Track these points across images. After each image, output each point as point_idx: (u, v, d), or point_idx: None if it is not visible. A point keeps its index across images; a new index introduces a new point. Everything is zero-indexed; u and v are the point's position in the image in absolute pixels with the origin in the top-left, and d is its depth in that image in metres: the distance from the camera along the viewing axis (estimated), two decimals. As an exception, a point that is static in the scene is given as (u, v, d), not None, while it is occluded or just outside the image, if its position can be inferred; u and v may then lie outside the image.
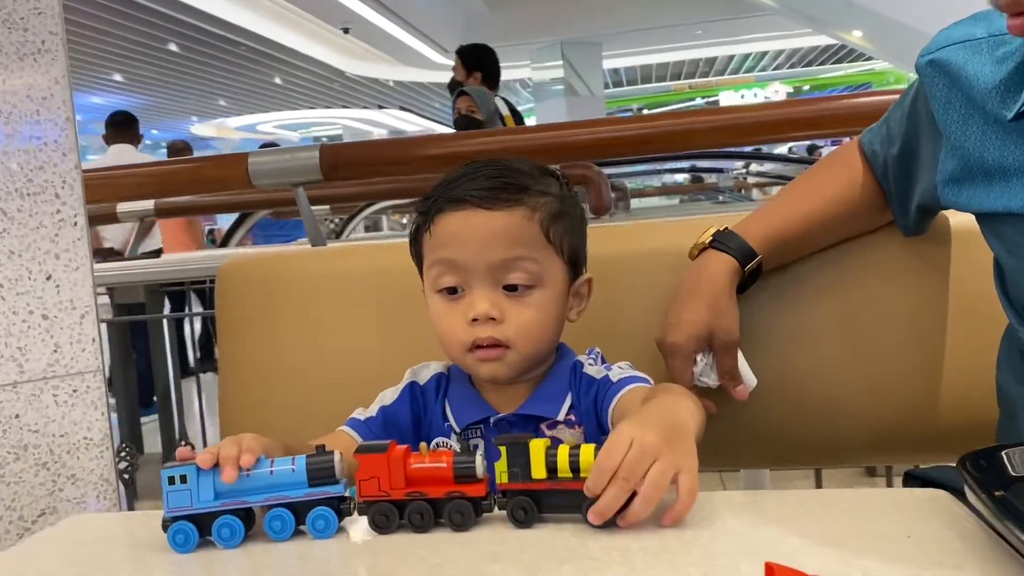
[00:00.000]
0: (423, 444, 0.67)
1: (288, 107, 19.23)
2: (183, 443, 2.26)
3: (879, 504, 0.62)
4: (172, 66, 13.61)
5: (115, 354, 2.80)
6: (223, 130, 21.93)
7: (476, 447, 0.88)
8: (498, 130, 3.01)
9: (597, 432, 0.87)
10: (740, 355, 1.01)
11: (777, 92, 20.03)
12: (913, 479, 1.05)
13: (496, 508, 0.66)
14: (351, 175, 2.01)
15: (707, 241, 1.03)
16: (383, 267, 1.26)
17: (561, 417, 0.87)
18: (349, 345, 1.21)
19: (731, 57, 18.30)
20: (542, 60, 14.52)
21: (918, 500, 0.62)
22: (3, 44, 1.06)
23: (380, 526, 0.65)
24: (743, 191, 9.04)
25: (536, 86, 15.39)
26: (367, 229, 5.59)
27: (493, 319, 0.83)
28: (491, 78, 4.07)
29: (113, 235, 4.33)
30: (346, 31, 12.48)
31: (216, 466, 0.66)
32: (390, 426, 0.91)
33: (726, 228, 1.03)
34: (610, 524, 0.61)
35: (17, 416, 1.08)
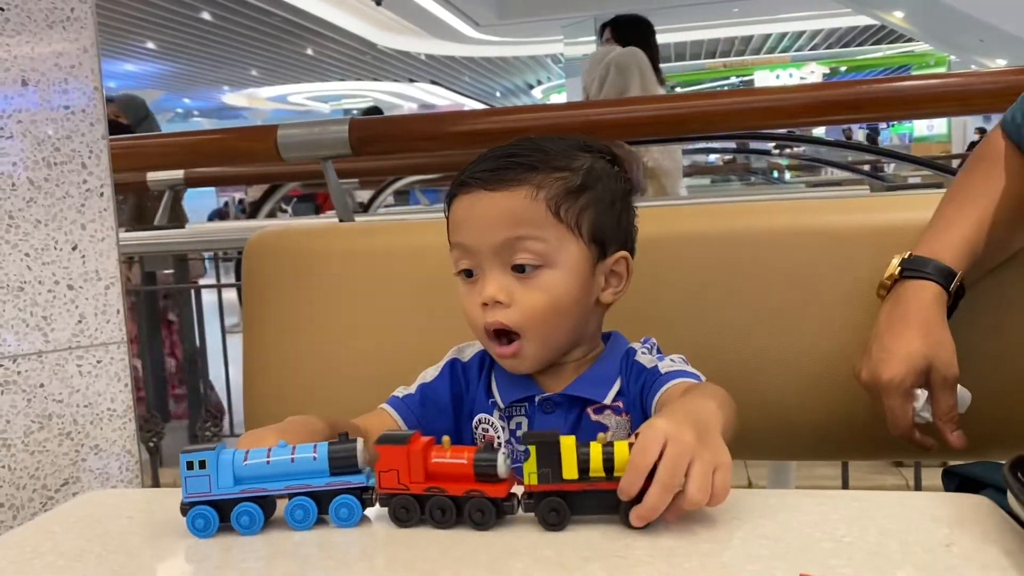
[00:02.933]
0: (446, 438, 0.65)
1: (319, 79, 19.25)
2: (206, 412, 2.28)
3: (918, 509, 0.60)
4: (205, 35, 13.65)
5: (143, 323, 2.82)
6: (254, 100, 22.02)
7: (520, 425, 0.87)
8: (532, 107, 2.99)
9: (641, 421, 0.84)
10: None
11: (813, 73, 19.70)
12: (952, 475, 1.02)
13: (520, 510, 0.63)
14: (380, 150, 1.99)
15: (896, 273, 0.95)
16: (416, 244, 1.24)
17: (608, 401, 0.85)
18: (378, 323, 1.20)
19: (767, 36, 18.02)
20: (575, 35, 14.37)
21: (960, 506, 0.60)
22: (32, 11, 1.05)
23: (401, 519, 0.63)
24: (776, 172, 8.92)
25: (568, 61, 15.24)
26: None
27: (500, 303, 0.81)
28: None
29: None
30: (379, 3, 12.42)
31: (237, 451, 0.65)
32: (428, 404, 0.90)
33: (910, 255, 0.95)
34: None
35: (42, 385, 1.08)
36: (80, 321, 1.10)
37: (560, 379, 0.87)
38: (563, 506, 0.61)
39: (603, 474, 0.60)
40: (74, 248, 1.09)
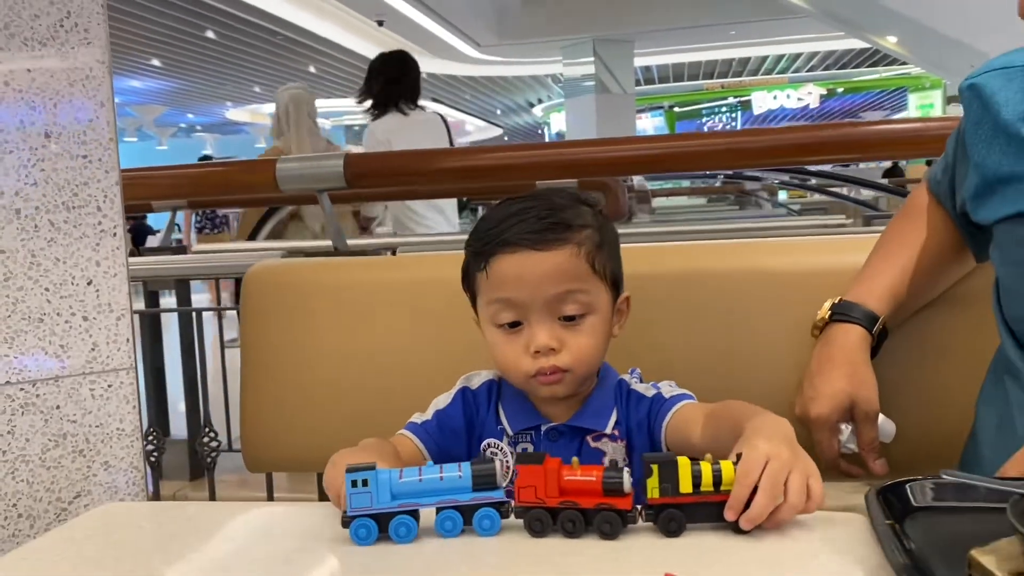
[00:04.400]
0: (575, 459, 0.74)
1: (322, 95, 19.38)
2: (206, 429, 2.38)
3: (804, 525, 0.70)
4: (209, 52, 13.82)
5: (146, 344, 2.93)
6: (257, 115, 22.17)
7: (525, 451, 0.96)
8: (517, 145, 3.13)
9: (647, 445, 0.94)
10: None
11: (811, 94, 19.89)
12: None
13: (641, 520, 0.72)
14: (374, 183, 2.11)
15: (827, 316, 1.06)
16: (411, 278, 1.33)
17: (608, 430, 0.95)
18: (374, 355, 1.28)
19: (764, 58, 18.19)
20: (574, 56, 14.57)
21: (835, 523, 0.70)
22: (55, 72, 1.17)
23: (535, 530, 0.72)
24: (771, 195, 9.06)
25: (567, 82, 15.42)
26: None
27: (553, 349, 0.90)
28: None
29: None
30: (380, 24, 12.60)
31: (393, 470, 0.74)
32: (445, 429, 0.98)
33: (841, 299, 1.06)
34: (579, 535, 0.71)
35: (58, 407, 1.19)
36: (93, 349, 1.21)
37: (563, 409, 0.96)
38: (680, 516, 0.70)
39: (712, 488, 0.70)
40: (89, 283, 1.20)
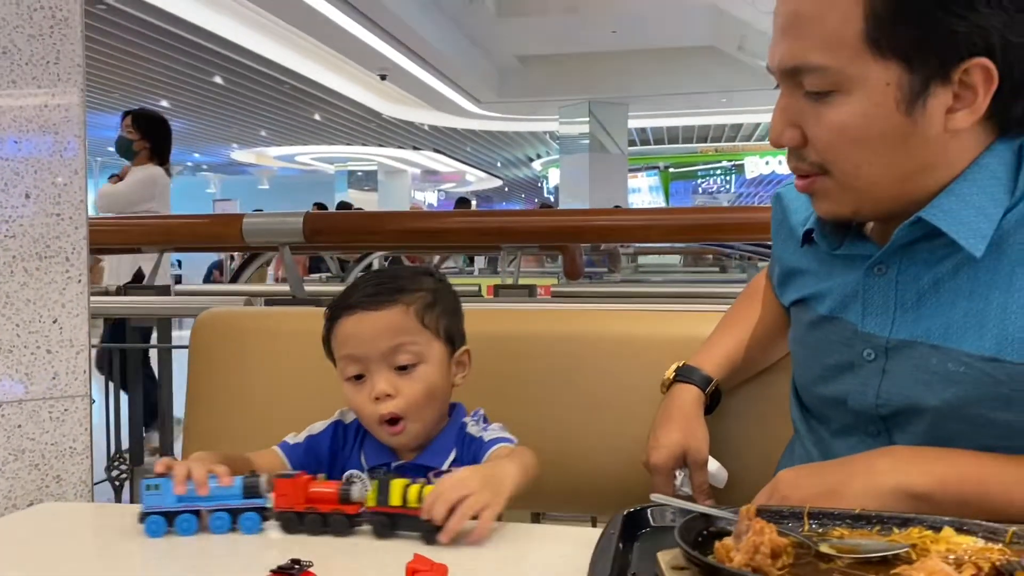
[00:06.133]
0: (322, 475, 0.95)
1: (326, 142, 19.83)
2: (159, 456, 2.56)
3: (567, 539, 0.91)
4: (216, 97, 14.19)
5: (130, 375, 3.13)
6: (262, 158, 22.58)
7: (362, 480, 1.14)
8: (456, 212, 3.37)
9: None
10: (711, 459, 1.17)
11: (803, 161, 20.22)
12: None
13: (365, 524, 0.92)
14: (329, 240, 2.33)
15: (672, 376, 1.23)
16: None
17: (445, 468, 1.11)
18: (306, 397, 1.41)
19: (757, 124, 18.62)
20: (570, 116, 14.96)
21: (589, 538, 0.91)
22: (39, 145, 1.39)
23: (287, 529, 0.93)
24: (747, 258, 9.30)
25: (563, 139, 15.81)
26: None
27: (390, 395, 1.08)
28: None
29: None
30: (383, 77, 12.99)
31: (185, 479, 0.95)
32: (311, 454, 1.14)
33: (684, 363, 1.24)
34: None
35: (19, 426, 1.38)
36: (54, 378, 1.41)
37: (412, 450, 1.12)
38: (388, 522, 0.91)
39: (417, 504, 0.90)
40: (54, 321, 1.41)
